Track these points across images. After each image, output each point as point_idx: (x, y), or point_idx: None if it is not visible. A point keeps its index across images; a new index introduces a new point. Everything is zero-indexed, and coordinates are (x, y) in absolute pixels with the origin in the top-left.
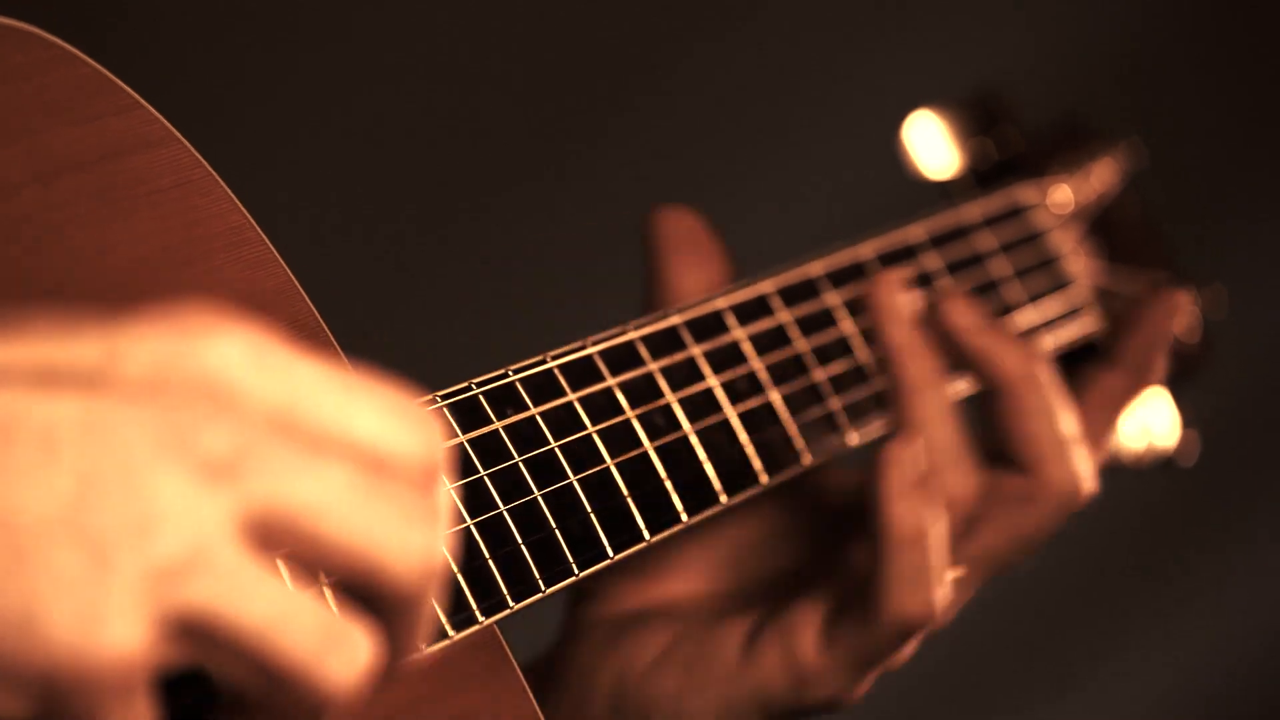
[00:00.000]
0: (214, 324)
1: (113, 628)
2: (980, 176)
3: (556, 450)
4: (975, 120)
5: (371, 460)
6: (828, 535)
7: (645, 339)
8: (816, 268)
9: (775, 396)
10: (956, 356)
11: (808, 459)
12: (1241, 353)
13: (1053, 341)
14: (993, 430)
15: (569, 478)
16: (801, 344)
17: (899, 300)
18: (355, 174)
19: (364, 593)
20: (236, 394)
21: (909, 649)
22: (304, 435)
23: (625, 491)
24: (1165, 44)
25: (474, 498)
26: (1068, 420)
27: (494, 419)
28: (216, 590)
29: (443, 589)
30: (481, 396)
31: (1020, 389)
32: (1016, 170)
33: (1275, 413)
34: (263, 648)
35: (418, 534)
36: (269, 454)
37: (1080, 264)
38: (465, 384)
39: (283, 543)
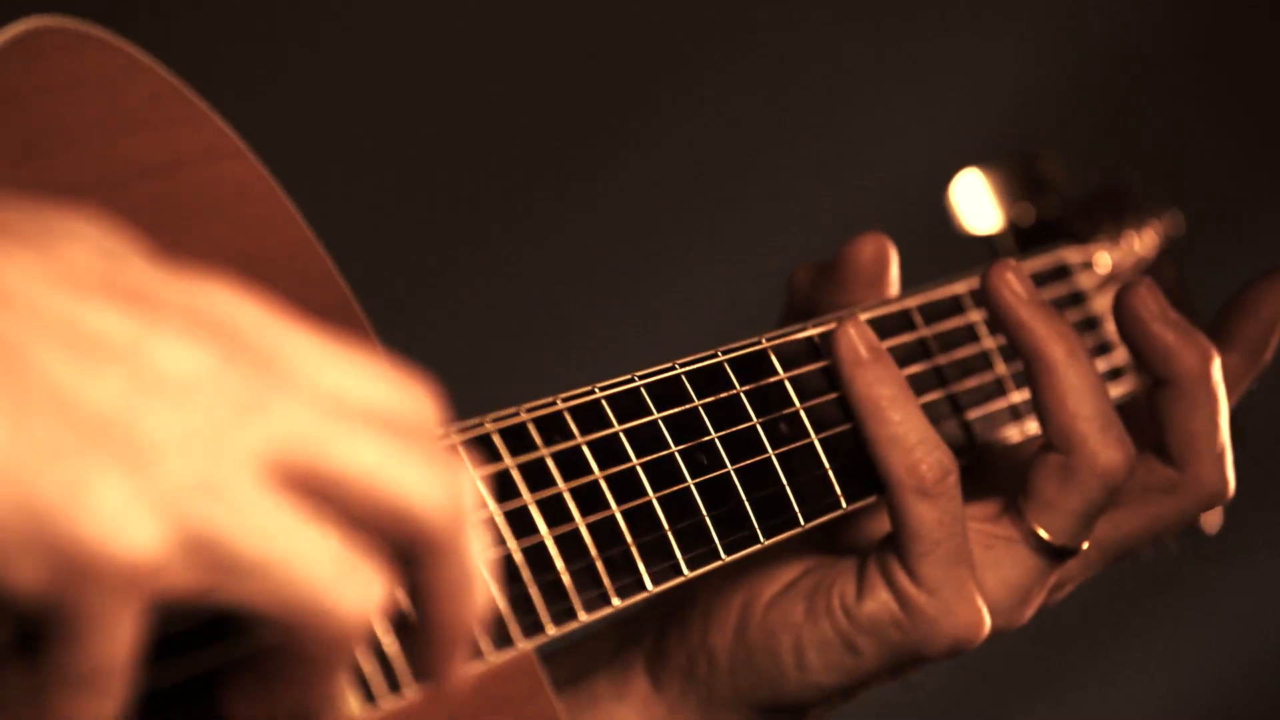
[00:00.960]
0: (238, 291)
1: (138, 527)
2: (1022, 235)
3: (605, 477)
4: (1019, 180)
5: (388, 418)
6: None
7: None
8: (861, 316)
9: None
10: (1131, 342)
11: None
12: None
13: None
14: (1151, 418)
15: (611, 508)
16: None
17: (1020, 282)
18: (406, 202)
19: (395, 538)
20: (263, 347)
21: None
22: (325, 390)
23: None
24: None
25: (519, 521)
26: (1226, 422)
27: (540, 445)
28: (237, 513)
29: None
30: (531, 423)
31: (1193, 386)
32: (1057, 232)
33: (1275, 416)
34: (274, 572)
35: (442, 477)
36: (295, 398)
37: (1114, 327)
38: (514, 409)
39: (308, 483)
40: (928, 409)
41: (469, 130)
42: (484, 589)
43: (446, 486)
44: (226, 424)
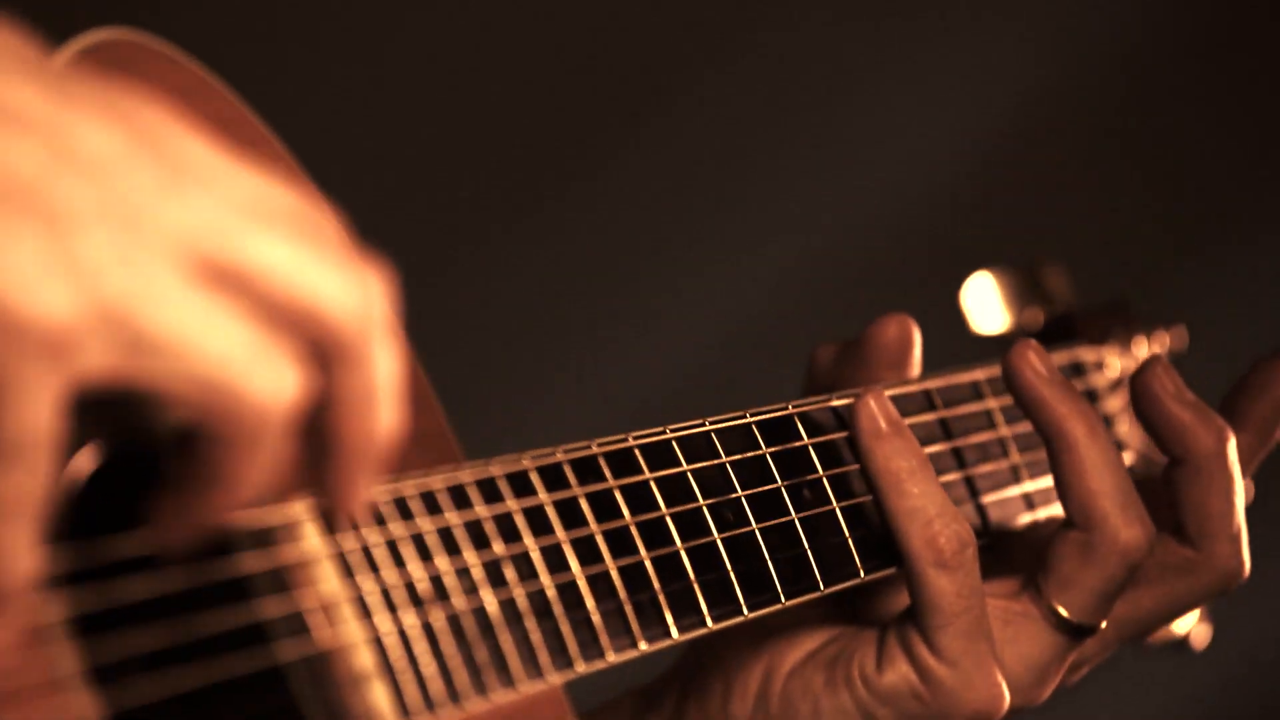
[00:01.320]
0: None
1: (56, 292)
2: (1034, 338)
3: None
4: (1027, 287)
5: (303, 225)
6: None
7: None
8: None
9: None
10: (1148, 422)
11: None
12: (1242, 368)
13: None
14: (1168, 498)
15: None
16: None
17: (1041, 361)
18: (407, 202)
19: (307, 338)
20: (184, 150)
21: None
22: (241, 193)
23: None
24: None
25: (553, 557)
26: (1242, 502)
27: (575, 485)
28: (154, 291)
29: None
30: (567, 464)
31: (1211, 465)
32: (1068, 335)
33: None
34: (190, 350)
35: (355, 284)
36: (211, 194)
37: (1125, 428)
38: (551, 450)
39: (223, 274)
40: (945, 489)
41: (469, 130)
42: (392, 406)
43: (359, 293)
44: (146, 205)
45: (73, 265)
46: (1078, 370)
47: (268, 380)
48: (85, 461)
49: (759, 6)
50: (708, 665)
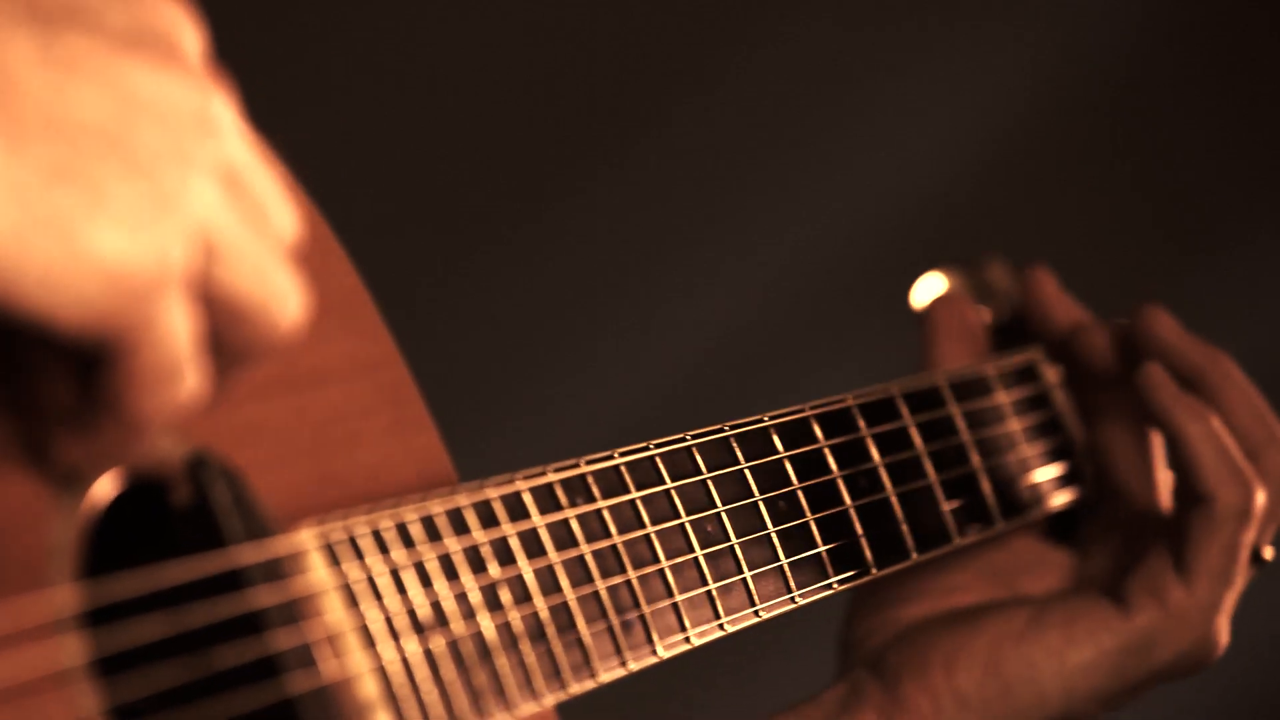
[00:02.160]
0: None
1: (161, 230)
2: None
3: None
4: (974, 286)
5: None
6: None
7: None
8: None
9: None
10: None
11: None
12: (1244, 366)
13: (1059, 501)
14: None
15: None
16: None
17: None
18: (410, 204)
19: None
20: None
21: (1244, 557)
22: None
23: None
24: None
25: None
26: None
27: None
28: (226, 211)
29: None
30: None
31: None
32: (1016, 334)
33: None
34: (261, 259)
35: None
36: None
37: (1075, 426)
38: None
39: (245, 200)
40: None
41: (473, 132)
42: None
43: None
44: (198, 139)
45: (167, 202)
46: (1032, 375)
47: (291, 307)
48: (106, 489)
49: (760, 7)
50: (909, 646)
